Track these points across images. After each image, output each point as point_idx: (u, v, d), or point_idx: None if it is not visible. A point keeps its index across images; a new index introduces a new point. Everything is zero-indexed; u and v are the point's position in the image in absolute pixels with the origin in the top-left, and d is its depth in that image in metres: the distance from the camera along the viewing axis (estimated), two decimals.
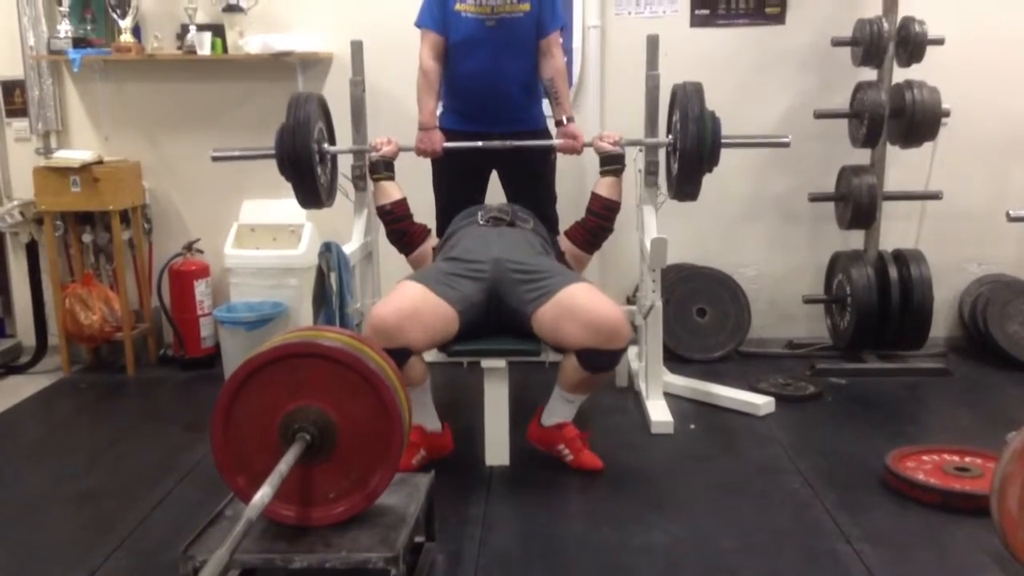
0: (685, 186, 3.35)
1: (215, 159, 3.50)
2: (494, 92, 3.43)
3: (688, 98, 3.25)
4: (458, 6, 3.35)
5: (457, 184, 3.57)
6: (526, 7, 3.35)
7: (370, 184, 3.59)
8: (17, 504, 2.87)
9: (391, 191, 3.41)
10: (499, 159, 3.51)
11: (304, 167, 3.27)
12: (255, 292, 4.12)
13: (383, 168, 3.43)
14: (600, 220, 3.38)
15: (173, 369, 4.24)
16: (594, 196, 3.40)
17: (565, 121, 3.49)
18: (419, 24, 3.45)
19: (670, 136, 3.43)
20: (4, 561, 2.50)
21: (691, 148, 3.22)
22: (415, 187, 3.58)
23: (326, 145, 3.44)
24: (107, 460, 3.20)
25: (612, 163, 3.41)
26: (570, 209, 3.66)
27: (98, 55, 4.15)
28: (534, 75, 3.49)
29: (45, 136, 4.32)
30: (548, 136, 3.57)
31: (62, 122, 4.35)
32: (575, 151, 3.50)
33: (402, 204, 3.41)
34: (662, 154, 3.59)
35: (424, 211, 3.60)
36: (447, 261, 3.06)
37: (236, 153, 3.56)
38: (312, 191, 3.36)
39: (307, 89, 4.19)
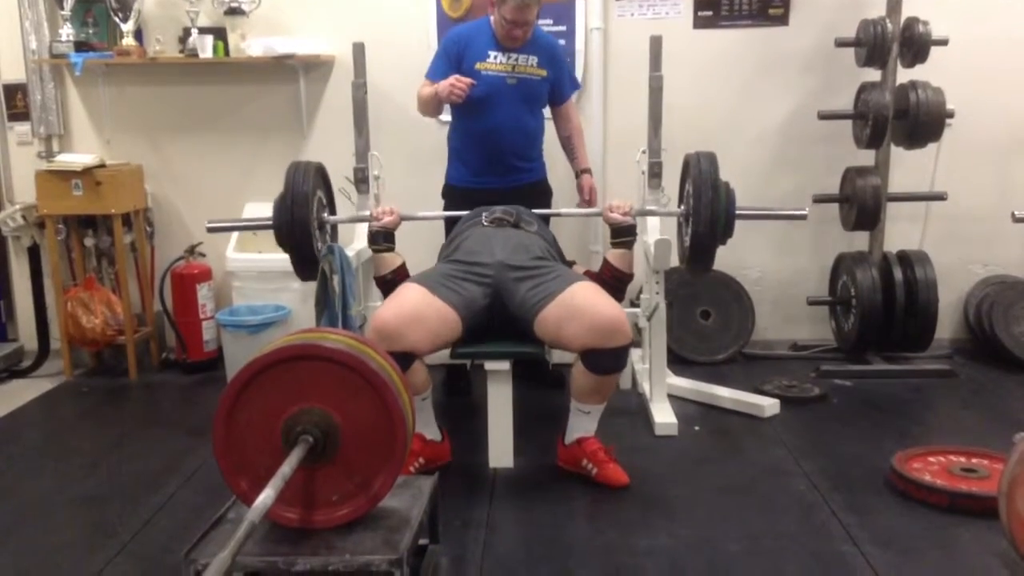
0: (699, 260, 3.16)
1: (210, 231, 3.38)
2: (511, 145, 3.51)
3: (702, 170, 3.05)
4: (479, 65, 3.47)
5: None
6: (544, 72, 3.56)
7: (372, 185, 3.58)
8: (19, 508, 2.86)
9: (392, 261, 3.20)
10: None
11: (302, 238, 3.10)
12: (257, 295, 4.12)
13: (383, 240, 3.20)
14: (611, 289, 3.15)
15: (176, 373, 4.24)
16: (606, 264, 3.21)
17: (581, 173, 3.73)
18: (427, 76, 3.56)
19: (682, 207, 3.28)
20: (7, 565, 2.49)
21: (705, 223, 3.01)
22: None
23: (325, 215, 3.30)
24: (109, 464, 3.19)
25: (623, 235, 3.17)
26: (572, 249, 3.66)
27: (100, 59, 4.15)
28: (542, 131, 3.69)
29: (47, 140, 4.32)
30: (549, 189, 3.77)
31: (64, 126, 4.35)
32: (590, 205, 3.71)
33: (402, 270, 3.22)
34: (666, 161, 3.58)
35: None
36: (450, 263, 3.04)
37: (233, 224, 3.59)
38: (310, 263, 3.16)
39: (309, 91, 4.21)
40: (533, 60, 3.52)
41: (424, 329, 2.78)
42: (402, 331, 2.74)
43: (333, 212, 3.41)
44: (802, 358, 4.22)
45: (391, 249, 3.23)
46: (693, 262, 3.20)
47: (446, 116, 3.76)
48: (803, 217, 3.33)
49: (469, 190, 3.57)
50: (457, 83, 3.36)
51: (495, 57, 3.49)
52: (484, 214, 3.24)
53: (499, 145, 3.50)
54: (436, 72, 3.51)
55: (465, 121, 3.57)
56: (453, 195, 3.67)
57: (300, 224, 3.09)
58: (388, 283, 3.20)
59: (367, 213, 3.41)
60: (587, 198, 3.73)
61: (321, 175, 3.31)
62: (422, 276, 3.03)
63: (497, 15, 3.42)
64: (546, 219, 3.53)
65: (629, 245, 3.18)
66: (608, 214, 3.20)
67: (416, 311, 2.80)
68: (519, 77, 3.51)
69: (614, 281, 3.19)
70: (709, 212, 3.01)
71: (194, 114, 4.32)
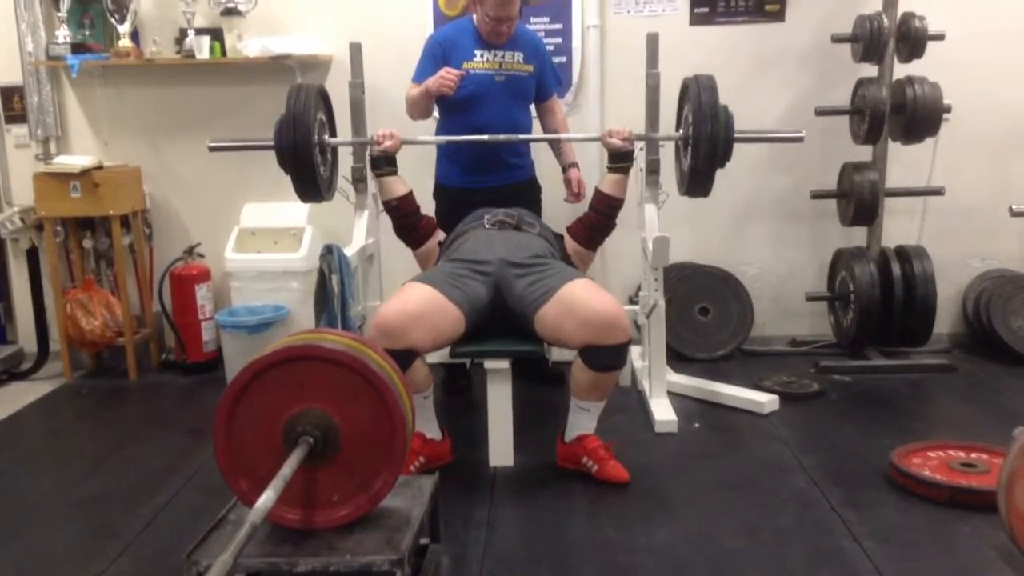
0: (698, 182, 3.25)
1: (212, 149, 3.41)
2: (502, 142, 3.48)
3: (701, 91, 3.15)
4: (466, 64, 3.48)
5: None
6: (530, 68, 3.59)
7: (371, 185, 3.57)
8: (20, 510, 2.87)
9: (396, 186, 3.32)
10: (493, 204, 3.46)
11: (304, 159, 3.17)
12: (256, 296, 4.11)
13: (384, 164, 3.32)
14: (602, 217, 3.33)
15: (175, 374, 4.24)
16: (598, 193, 3.34)
17: (568, 167, 3.74)
18: (414, 80, 3.57)
19: (681, 130, 3.38)
20: (8, 568, 2.50)
21: (705, 142, 3.11)
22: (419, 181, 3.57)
23: (327, 137, 3.36)
24: (110, 465, 3.20)
25: (621, 160, 3.33)
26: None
27: (97, 60, 4.15)
28: (530, 128, 3.71)
29: (45, 142, 4.32)
30: (538, 185, 3.79)
31: (61, 128, 4.35)
32: (577, 200, 3.75)
33: (409, 198, 3.33)
34: (665, 152, 3.57)
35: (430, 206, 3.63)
36: (452, 262, 3.04)
37: (233, 144, 3.51)
38: (312, 183, 3.26)
39: None
40: (519, 56, 3.53)
41: (427, 326, 2.78)
42: (405, 328, 2.74)
43: (334, 134, 3.44)
44: (801, 354, 4.22)
45: (393, 173, 3.32)
46: (692, 186, 3.31)
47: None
48: (800, 139, 3.39)
49: (461, 190, 3.58)
50: (447, 75, 3.37)
51: (481, 55, 3.49)
52: (486, 216, 3.25)
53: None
54: (423, 75, 3.50)
55: (455, 120, 3.56)
56: (444, 195, 3.67)
57: (302, 146, 3.14)
58: (395, 209, 3.32)
59: (368, 137, 3.43)
60: (576, 191, 3.74)
61: (323, 97, 3.36)
62: (426, 275, 3.04)
63: (480, 13, 3.44)
64: (539, 211, 3.59)
65: (626, 171, 3.34)
66: (608, 139, 3.33)
67: (419, 308, 2.80)
68: (507, 74, 3.52)
69: (606, 209, 3.31)
70: (711, 134, 3.12)
71: (192, 115, 4.32)
